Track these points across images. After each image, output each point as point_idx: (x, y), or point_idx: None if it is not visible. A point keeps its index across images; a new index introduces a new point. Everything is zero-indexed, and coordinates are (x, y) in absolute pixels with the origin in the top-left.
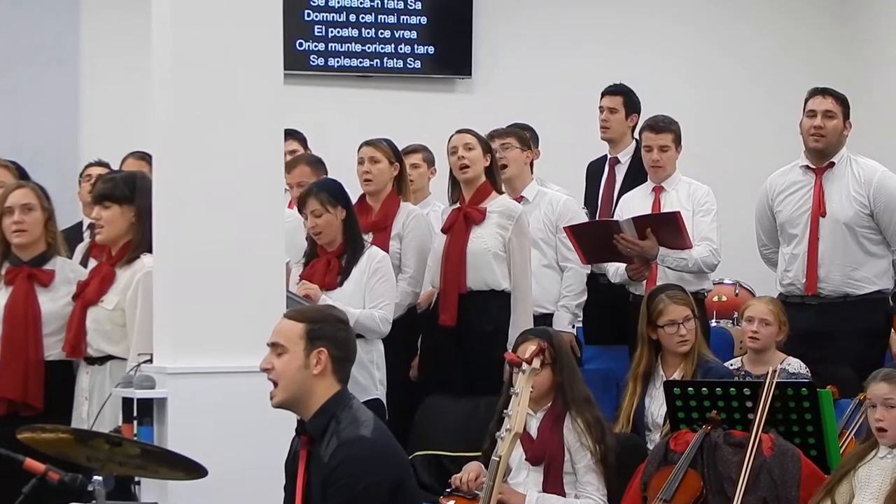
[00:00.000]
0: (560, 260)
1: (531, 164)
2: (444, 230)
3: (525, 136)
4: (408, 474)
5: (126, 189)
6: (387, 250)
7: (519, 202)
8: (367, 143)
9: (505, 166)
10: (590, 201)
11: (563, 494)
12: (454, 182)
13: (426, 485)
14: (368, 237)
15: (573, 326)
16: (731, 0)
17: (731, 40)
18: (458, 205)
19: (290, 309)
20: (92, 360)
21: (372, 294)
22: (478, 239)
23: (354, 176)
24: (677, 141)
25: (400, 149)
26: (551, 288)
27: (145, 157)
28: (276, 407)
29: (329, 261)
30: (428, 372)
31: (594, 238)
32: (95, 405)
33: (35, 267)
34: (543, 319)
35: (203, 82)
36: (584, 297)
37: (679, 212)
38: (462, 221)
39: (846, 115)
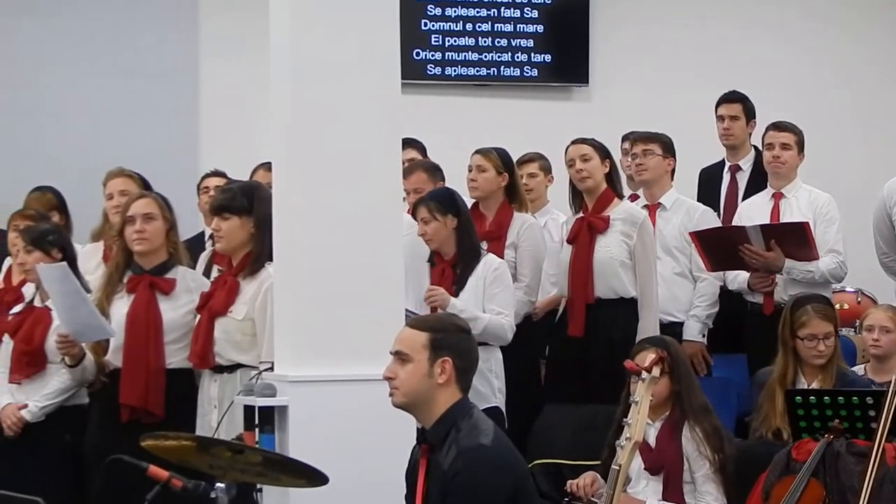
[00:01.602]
0: (694, 269)
1: (672, 172)
2: (569, 240)
3: (669, 143)
4: (527, 483)
5: (244, 200)
6: (502, 259)
7: (656, 209)
8: (478, 152)
9: (644, 170)
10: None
11: (683, 503)
12: (575, 191)
13: (545, 493)
14: (483, 246)
15: (703, 336)
16: (842, 13)
17: (843, 51)
18: (581, 214)
19: (413, 317)
20: (220, 369)
21: (493, 302)
22: (603, 248)
23: None
24: (800, 145)
25: (516, 157)
26: (682, 296)
27: None
28: (396, 407)
29: (444, 269)
30: (552, 381)
31: (720, 245)
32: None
33: (157, 276)
34: (672, 328)
35: (321, 92)
36: (716, 309)
37: (807, 223)
38: (586, 231)
39: None
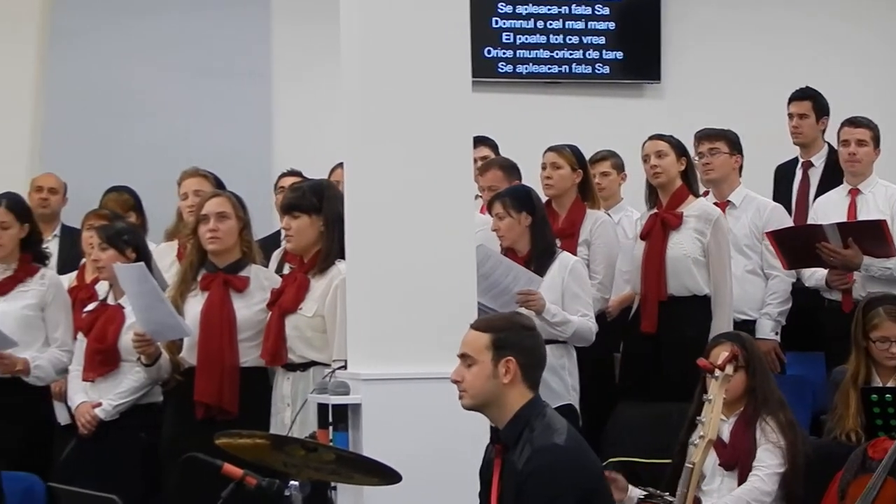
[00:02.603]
0: (765, 267)
1: (739, 169)
2: (641, 237)
3: (735, 140)
4: (601, 482)
5: (314, 198)
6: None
7: (726, 207)
8: (551, 149)
9: (711, 169)
10: (780, 205)
11: None
12: (650, 187)
13: None
14: (556, 243)
15: (776, 334)
16: None
17: None
18: (655, 210)
19: (477, 318)
20: (293, 367)
21: (576, 303)
22: (676, 245)
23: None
24: (875, 140)
25: (589, 155)
26: (755, 294)
27: None
28: (466, 409)
29: None
30: (625, 379)
31: (797, 243)
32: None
33: (230, 274)
34: (745, 325)
35: (392, 91)
36: (789, 306)
37: (884, 220)
38: (659, 227)
39: None
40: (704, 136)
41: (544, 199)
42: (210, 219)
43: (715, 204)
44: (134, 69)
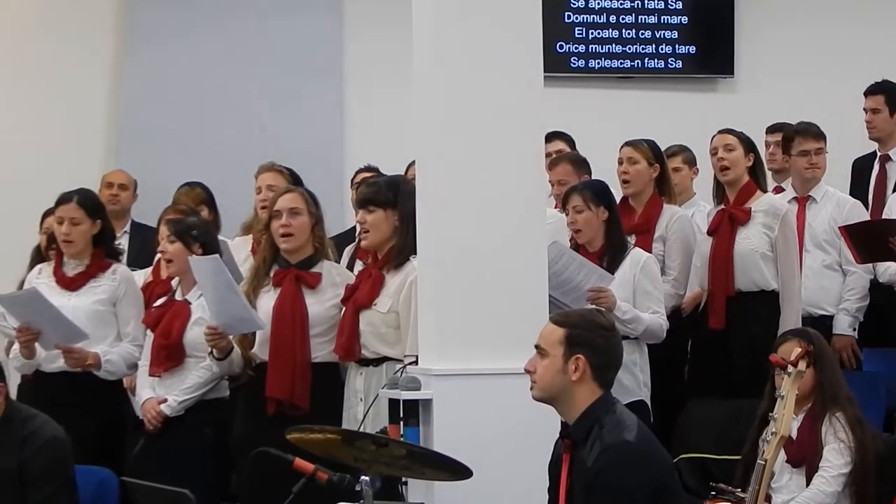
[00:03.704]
0: (843, 262)
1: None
2: (709, 232)
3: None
4: (671, 478)
5: (389, 193)
6: (649, 253)
7: (806, 202)
8: (628, 144)
9: (818, 168)
10: (858, 199)
11: None
12: (718, 183)
13: (691, 488)
14: (632, 239)
15: (854, 330)
16: None
17: None
18: (722, 206)
19: (557, 312)
20: (366, 362)
21: (648, 300)
22: (744, 240)
23: (616, 177)
24: None
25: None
26: (833, 289)
27: None
28: (535, 400)
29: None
30: (695, 375)
31: (869, 238)
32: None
33: (302, 270)
34: (822, 321)
35: (464, 86)
36: (867, 302)
37: None
38: (727, 222)
39: None
40: (813, 134)
41: (620, 193)
42: (282, 214)
43: (795, 198)
44: (208, 66)
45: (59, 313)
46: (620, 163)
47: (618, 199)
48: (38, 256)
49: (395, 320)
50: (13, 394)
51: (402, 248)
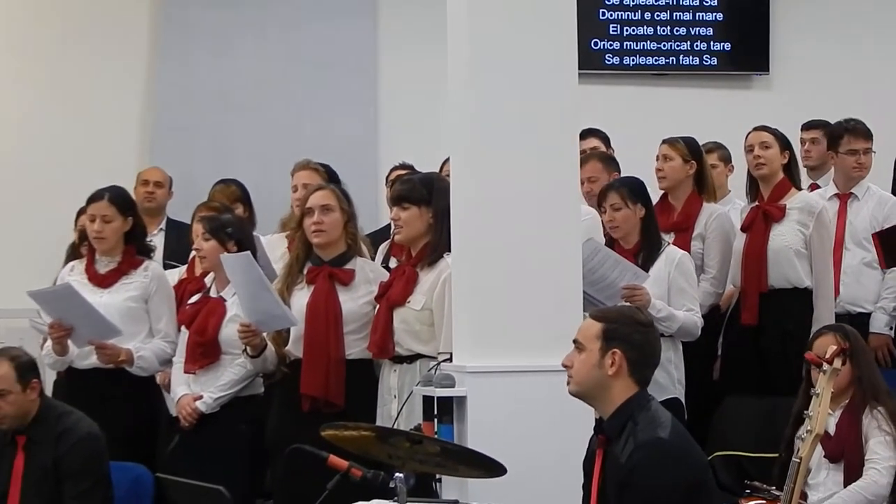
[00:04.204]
0: None
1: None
2: (743, 228)
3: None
4: (706, 475)
5: (423, 190)
6: (688, 251)
7: (847, 199)
8: (665, 141)
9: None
10: None
11: None
12: (752, 179)
13: (726, 486)
14: (670, 237)
15: (890, 329)
16: None
17: None
18: (756, 202)
19: (596, 308)
20: (400, 359)
21: (683, 297)
22: (778, 236)
23: (652, 175)
24: None
25: None
26: (871, 287)
27: None
28: (571, 395)
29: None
30: (728, 372)
31: None
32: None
33: (336, 267)
34: (860, 318)
35: (499, 83)
36: None
37: None
38: (761, 219)
39: None
40: (863, 133)
41: (658, 191)
42: (314, 212)
43: (836, 195)
44: (243, 64)
45: (92, 309)
46: (657, 159)
47: (653, 197)
48: (73, 254)
49: (428, 318)
50: (47, 390)
51: (436, 245)
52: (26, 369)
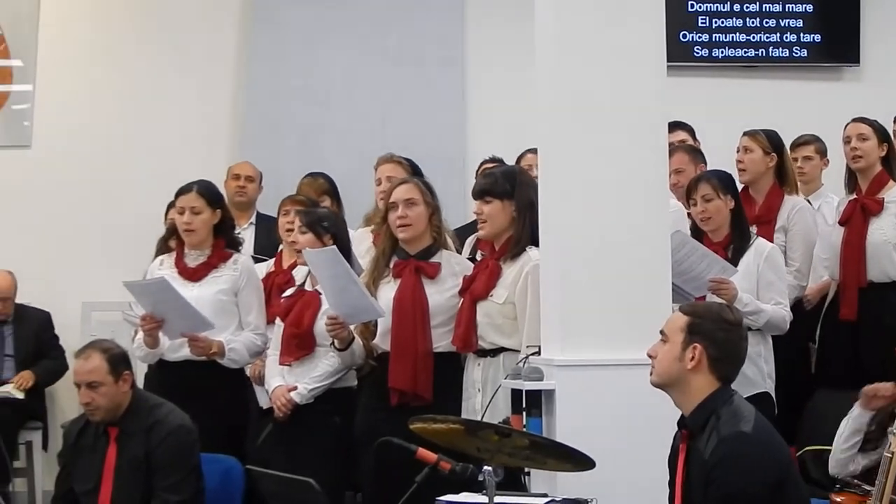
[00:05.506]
0: None
1: None
2: (841, 222)
3: None
4: (790, 470)
5: (506, 184)
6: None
7: None
8: (746, 133)
9: None
10: None
11: None
12: (850, 172)
13: (816, 480)
14: (753, 229)
15: None
16: None
17: None
18: (854, 196)
19: (686, 302)
20: (484, 353)
21: (771, 290)
22: (877, 230)
23: None
24: None
25: (787, 139)
26: None
27: None
28: (653, 386)
29: (715, 252)
30: (824, 366)
31: None
32: (488, 397)
33: (422, 260)
34: None
35: (587, 76)
36: None
37: None
38: (859, 213)
39: None
40: None
41: (740, 184)
42: (398, 206)
43: None
44: (331, 57)
45: (185, 302)
46: (738, 151)
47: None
48: (163, 248)
49: (511, 311)
50: (139, 383)
51: (519, 238)
52: (118, 361)
